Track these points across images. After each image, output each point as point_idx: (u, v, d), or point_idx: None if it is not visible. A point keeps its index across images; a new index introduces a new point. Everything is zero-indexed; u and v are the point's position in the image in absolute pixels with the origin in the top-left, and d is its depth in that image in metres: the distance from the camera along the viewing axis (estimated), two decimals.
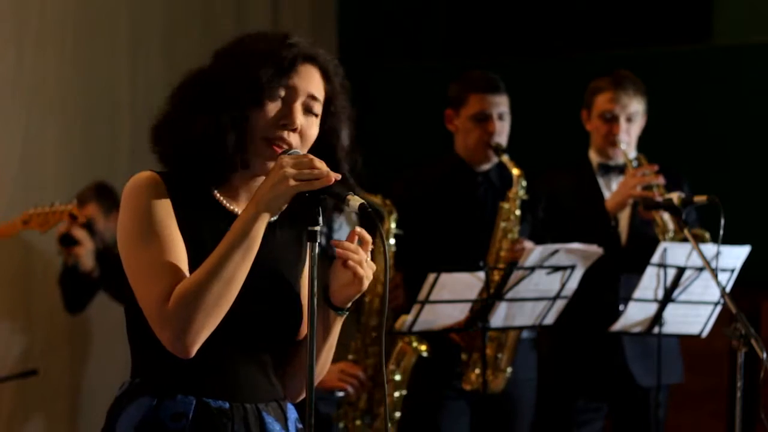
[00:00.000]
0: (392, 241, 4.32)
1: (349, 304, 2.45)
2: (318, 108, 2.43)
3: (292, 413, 2.49)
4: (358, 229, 2.38)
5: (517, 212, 4.48)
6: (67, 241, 5.19)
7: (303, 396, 2.51)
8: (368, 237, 2.38)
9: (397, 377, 4.35)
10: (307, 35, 2.49)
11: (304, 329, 2.48)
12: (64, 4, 5.59)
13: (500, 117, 4.51)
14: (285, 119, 2.39)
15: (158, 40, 5.96)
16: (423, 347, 4.32)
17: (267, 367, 2.45)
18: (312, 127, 2.43)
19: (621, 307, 4.64)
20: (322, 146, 2.45)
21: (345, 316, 2.46)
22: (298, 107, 2.40)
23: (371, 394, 4.29)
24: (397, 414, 4.32)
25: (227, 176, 2.42)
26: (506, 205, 4.47)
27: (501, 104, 4.52)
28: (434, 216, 4.52)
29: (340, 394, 4.26)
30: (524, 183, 4.49)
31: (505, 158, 4.47)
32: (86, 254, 5.18)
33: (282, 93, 2.40)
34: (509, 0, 7.10)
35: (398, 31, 7.26)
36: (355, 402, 4.28)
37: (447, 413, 4.49)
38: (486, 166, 4.59)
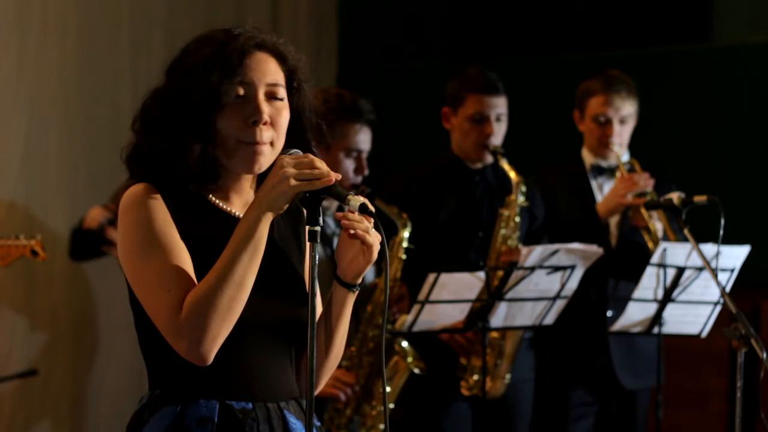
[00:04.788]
0: (403, 256, 4.26)
1: (360, 280, 2.44)
2: (282, 92, 2.42)
3: None
4: (361, 198, 2.36)
5: (517, 219, 4.46)
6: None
7: (322, 388, 2.53)
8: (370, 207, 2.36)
9: (387, 389, 4.32)
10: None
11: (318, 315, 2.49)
12: (66, 4, 5.59)
13: (498, 119, 4.49)
14: (253, 116, 2.38)
15: (160, 40, 5.96)
16: (419, 365, 4.30)
17: (284, 365, 2.45)
18: (281, 113, 2.41)
19: (609, 313, 4.64)
20: (292, 126, 2.44)
21: (357, 292, 2.46)
22: (261, 99, 2.39)
23: (359, 404, 4.29)
24: (381, 426, 4.30)
25: (215, 181, 2.42)
26: (506, 212, 4.46)
27: (499, 106, 4.49)
28: (430, 215, 4.49)
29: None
30: (524, 189, 4.47)
31: (504, 163, 4.44)
32: None
33: (241, 91, 2.39)
34: (509, 1, 7.10)
35: (398, 31, 7.27)
36: (342, 409, 4.26)
37: (450, 416, 4.48)
38: (481, 165, 4.58)
